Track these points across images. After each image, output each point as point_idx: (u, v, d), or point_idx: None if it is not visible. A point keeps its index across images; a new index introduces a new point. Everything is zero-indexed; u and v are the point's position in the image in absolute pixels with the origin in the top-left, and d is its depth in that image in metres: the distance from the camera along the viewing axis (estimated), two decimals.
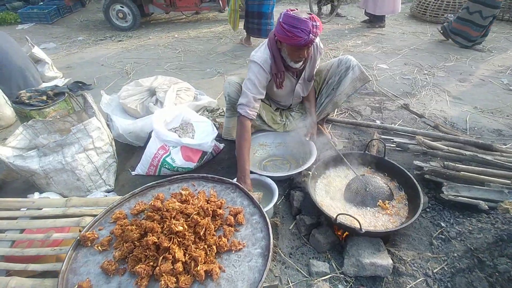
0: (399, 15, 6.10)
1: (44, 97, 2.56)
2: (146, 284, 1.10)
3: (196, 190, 1.51)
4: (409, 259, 1.67)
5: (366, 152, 2.22)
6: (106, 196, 2.10)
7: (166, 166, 2.21)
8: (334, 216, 1.68)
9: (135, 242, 1.21)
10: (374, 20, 5.54)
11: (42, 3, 7.57)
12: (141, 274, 1.09)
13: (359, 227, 1.62)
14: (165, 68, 4.30)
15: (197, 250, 1.18)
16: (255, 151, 2.47)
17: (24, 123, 2.21)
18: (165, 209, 1.29)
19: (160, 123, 2.25)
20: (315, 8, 6.05)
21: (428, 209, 1.96)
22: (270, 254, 1.18)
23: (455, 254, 1.65)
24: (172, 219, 1.25)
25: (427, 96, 3.20)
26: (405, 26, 5.35)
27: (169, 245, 1.15)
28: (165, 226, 1.22)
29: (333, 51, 4.64)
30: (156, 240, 1.17)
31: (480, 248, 1.62)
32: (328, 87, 2.33)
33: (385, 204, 1.90)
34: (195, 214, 1.27)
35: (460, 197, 1.88)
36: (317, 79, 2.39)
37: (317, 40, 2.09)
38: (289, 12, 1.79)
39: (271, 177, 2.04)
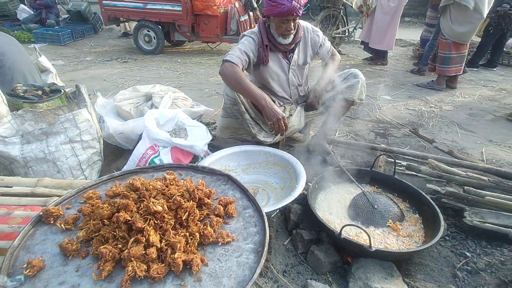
0: (401, 56, 6.17)
1: (40, 92, 2.43)
2: (110, 269, 0.88)
3: (183, 180, 1.31)
4: None
5: (373, 169, 2.04)
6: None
7: None
8: (338, 230, 1.46)
9: (104, 220, 0.99)
10: (376, 58, 5.49)
11: (57, 27, 7.80)
12: (105, 255, 0.87)
13: (368, 244, 1.39)
14: (165, 85, 4.23)
15: (177, 236, 0.96)
16: None
17: (14, 112, 2.05)
18: (144, 188, 1.10)
19: (152, 122, 2.10)
20: None
21: (447, 237, 1.72)
22: (265, 250, 0.96)
23: None
24: (151, 198, 1.05)
25: (436, 126, 3.06)
26: (408, 65, 5.38)
27: (143, 226, 0.94)
28: (142, 205, 1.01)
29: None
30: (129, 218, 0.95)
31: None
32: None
33: (396, 225, 1.68)
34: (178, 195, 1.07)
35: (487, 224, 1.64)
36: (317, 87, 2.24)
37: (310, 26, 2.10)
38: None
39: None
